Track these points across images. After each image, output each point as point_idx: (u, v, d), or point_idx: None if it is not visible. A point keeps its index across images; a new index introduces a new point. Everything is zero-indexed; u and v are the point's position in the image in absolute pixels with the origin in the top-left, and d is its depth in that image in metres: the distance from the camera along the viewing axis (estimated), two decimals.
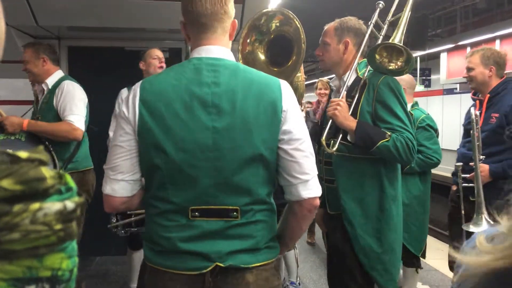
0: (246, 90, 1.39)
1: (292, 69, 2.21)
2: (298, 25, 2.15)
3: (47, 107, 3.10)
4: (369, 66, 2.21)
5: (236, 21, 1.50)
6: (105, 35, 4.41)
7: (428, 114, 3.53)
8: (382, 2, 2.30)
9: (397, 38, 2.17)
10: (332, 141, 2.18)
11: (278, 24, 2.24)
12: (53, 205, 0.35)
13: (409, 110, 3.47)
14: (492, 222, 2.72)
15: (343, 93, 2.23)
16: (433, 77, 13.76)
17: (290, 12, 2.20)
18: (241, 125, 1.37)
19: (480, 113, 3.02)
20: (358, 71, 2.24)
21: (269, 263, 1.48)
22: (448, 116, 12.49)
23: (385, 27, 2.31)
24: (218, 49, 1.45)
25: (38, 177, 0.34)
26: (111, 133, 3.44)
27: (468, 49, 11.91)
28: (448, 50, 11.66)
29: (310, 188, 1.44)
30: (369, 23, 2.29)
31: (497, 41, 9.91)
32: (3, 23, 0.44)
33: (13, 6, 3.43)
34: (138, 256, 3.72)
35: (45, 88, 3.16)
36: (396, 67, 2.20)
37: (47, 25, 3.86)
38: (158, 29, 4.14)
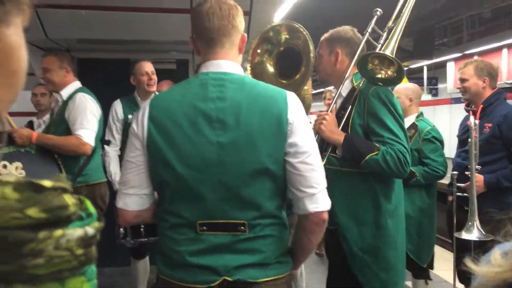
0: (251, 104, 1.39)
1: (300, 82, 2.21)
2: (307, 37, 2.16)
3: (59, 119, 3.09)
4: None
5: (245, 35, 1.52)
6: (113, 47, 4.46)
7: (434, 126, 3.50)
8: (379, 9, 2.24)
9: (389, 48, 2.08)
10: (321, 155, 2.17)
11: (287, 36, 2.25)
12: (75, 232, 0.37)
13: (414, 121, 3.47)
14: (483, 232, 2.73)
15: (332, 105, 2.20)
16: (440, 86, 13.73)
17: (299, 24, 2.21)
18: (246, 139, 1.37)
19: (471, 124, 3.02)
20: (354, 82, 2.18)
21: (280, 278, 1.45)
22: (456, 125, 12.37)
23: (384, 35, 2.23)
24: (226, 63, 1.46)
25: (61, 205, 0.36)
26: (106, 147, 3.44)
27: (475, 58, 11.90)
28: (455, 59, 11.64)
29: (317, 202, 1.42)
30: (364, 32, 2.22)
31: (504, 50, 9.89)
32: (25, 53, 0.46)
33: None
34: (142, 265, 3.73)
35: (60, 100, 3.14)
36: (387, 75, 2.12)
37: (56, 38, 3.90)
38: (165, 41, 4.18)
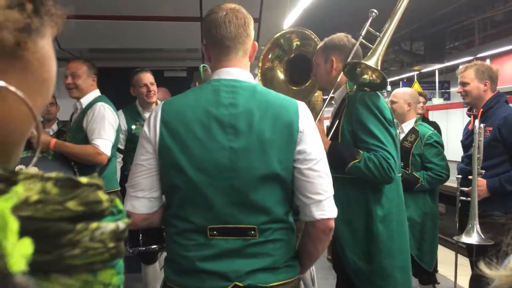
0: (263, 112, 1.41)
1: (311, 89, 2.21)
2: (318, 44, 2.16)
3: (77, 127, 3.10)
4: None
5: (256, 43, 1.53)
6: (125, 56, 4.50)
7: (434, 130, 3.53)
8: (375, 10, 2.19)
9: (373, 60, 2.04)
10: None
11: (299, 43, 2.26)
12: (108, 225, 0.39)
13: (413, 126, 3.48)
14: (483, 237, 2.71)
15: (320, 114, 2.22)
16: (452, 89, 13.62)
17: (310, 31, 2.22)
18: (257, 145, 1.39)
19: (474, 127, 3.00)
20: (348, 88, 2.18)
21: (289, 282, 1.47)
22: None
23: (378, 39, 2.18)
24: (237, 71, 1.48)
25: (96, 200, 0.39)
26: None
27: (488, 61, 11.79)
28: (467, 63, 11.56)
29: (324, 209, 1.43)
30: (358, 34, 2.20)
31: None
32: (55, 63, 0.51)
33: None
34: (151, 270, 3.73)
35: (79, 107, 3.16)
36: (373, 78, 2.10)
37: (69, 48, 3.96)
38: (176, 49, 4.21)
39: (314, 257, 1.59)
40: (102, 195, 0.40)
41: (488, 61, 11.83)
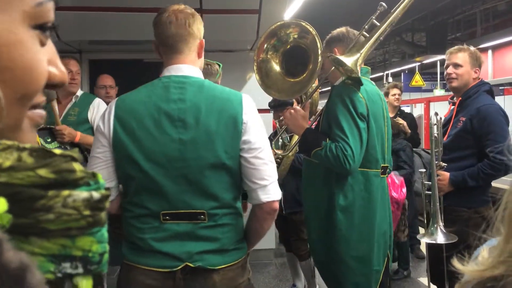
0: (209, 106, 1.54)
1: (308, 80, 2.21)
2: (316, 37, 2.15)
3: (78, 121, 3.14)
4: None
5: (203, 40, 1.65)
6: (124, 48, 4.50)
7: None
8: (384, 4, 2.17)
9: (353, 58, 2.02)
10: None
11: (296, 35, 2.25)
12: (81, 193, 0.41)
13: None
14: (447, 234, 2.58)
15: (307, 101, 2.32)
16: None
17: (308, 23, 2.21)
18: (205, 137, 1.51)
19: (451, 117, 2.88)
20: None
21: (235, 264, 1.60)
22: None
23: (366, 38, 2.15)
24: (186, 67, 1.60)
25: (69, 169, 0.41)
26: None
27: (490, 52, 11.74)
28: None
29: (269, 192, 1.57)
30: (363, 26, 2.20)
31: None
32: (28, 51, 0.46)
33: None
34: None
35: (74, 100, 3.20)
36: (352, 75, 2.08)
37: (69, 40, 3.96)
38: None
39: (260, 236, 1.71)
40: (76, 166, 0.42)
41: (490, 52, 11.79)
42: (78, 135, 2.99)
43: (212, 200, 1.54)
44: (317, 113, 2.46)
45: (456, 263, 0.68)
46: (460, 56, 2.83)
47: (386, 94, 4.77)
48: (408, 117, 5.01)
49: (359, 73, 2.04)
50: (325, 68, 2.29)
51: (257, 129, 1.57)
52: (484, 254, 0.67)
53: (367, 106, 2.10)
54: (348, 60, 2.01)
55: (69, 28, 3.63)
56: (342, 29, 2.31)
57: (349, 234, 2.13)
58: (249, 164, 1.55)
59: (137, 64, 4.58)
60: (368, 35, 2.16)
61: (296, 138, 2.57)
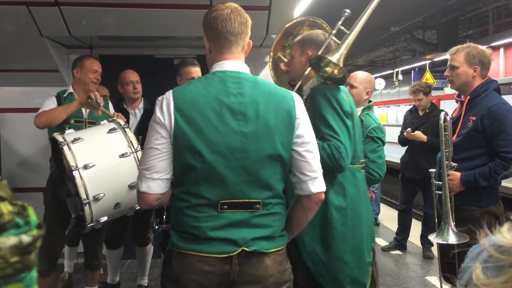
0: (266, 100, 1.62)
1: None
2: (328, 31, 2.16)
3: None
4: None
5: (251, 41, 1.73)
6: (135, 44, 4.52)
7: (379, 124, 3.22)
8: (348, 10, 2.22)
9: (336, 56, 2.08)
10: None
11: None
12: (7, 240, 0.37)
13: (359, 114, 3.12)
14: (459, 234, 2.59)
15: None
16: None
17: (322, 20, 2.22)
18: (264, 130, 1.59)
19: (460, 116, 2.85)
20: (315, 82, 2.24)
21: (282, 249, 1.71)
22: None
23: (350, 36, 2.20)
24: (239, 63, 1.68)
25: None
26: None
27: (501, 50, 11.62)
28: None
29: (318, 184, 1.69)
30: (330, 33, 2.23)
31: None
32: None
33: (48, 18, 3.56)
34: (144, 251, 3.88)
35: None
36: (333, 72, 2.13)
37: (80, 35, 3.98)
38: (186, 37, 4.22)
39: (303, 225, 1.83)
40: (4, 207, 0.38)
41: (502, 50, 11.66)
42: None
43: (267, 190, 1.63)
44: None
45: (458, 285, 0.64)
46: (455, 57, 2.84)
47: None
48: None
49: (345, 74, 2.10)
50: (296, 70, 2.28)
51: (308, 124, 1.69)
52: (479, 274, 0.60)
53: (350, 104, 2.16)
54: (333, 58, 2.07)
55: (80, 24, 3.65)
56: (320, 33, 2.31)
57: (344, 231, 2.18)
58: (301, 157, 1.66)
59: (148, 60, 4.60)
60: (339, 41, 2.20)
61: None
